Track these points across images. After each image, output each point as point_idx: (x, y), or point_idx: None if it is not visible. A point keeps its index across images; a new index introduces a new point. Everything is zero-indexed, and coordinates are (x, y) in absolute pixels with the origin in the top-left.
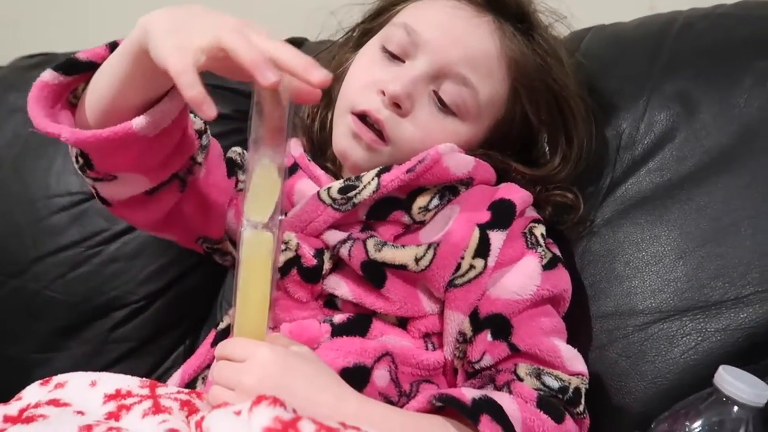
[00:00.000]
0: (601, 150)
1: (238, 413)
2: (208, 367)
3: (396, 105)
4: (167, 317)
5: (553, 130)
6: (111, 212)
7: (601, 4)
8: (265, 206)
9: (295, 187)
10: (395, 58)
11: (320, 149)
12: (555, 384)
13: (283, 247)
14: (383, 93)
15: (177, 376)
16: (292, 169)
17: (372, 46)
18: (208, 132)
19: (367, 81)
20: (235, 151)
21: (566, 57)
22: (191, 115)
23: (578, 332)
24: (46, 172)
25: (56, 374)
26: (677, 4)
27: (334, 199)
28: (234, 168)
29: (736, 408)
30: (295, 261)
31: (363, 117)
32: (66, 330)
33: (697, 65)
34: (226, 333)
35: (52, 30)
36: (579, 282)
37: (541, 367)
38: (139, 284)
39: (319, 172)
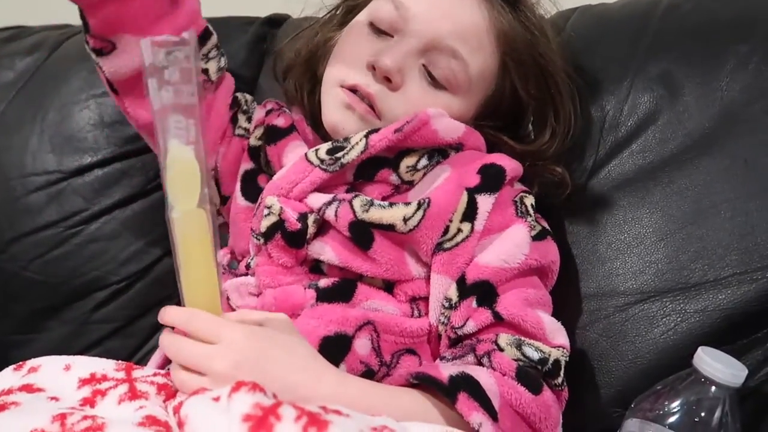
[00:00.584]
0: (585, 131)
1: (217, 399)
2: None
3: (387, 79)
4: (149, 298)
5: (541, 104)
6: (119, 105)
7: None
8: (189, 191)
9: (286, 149)
10: (383, 33)
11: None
12: (535, 355)
13: (266, 211)
14: (373, 68)
15: (159, 354)
16: (288, 131)
17: (359, 22)
18: (225, 61)
19: (356, 56)
20: (243, 95)
21: (552, 34)
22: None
23: (561, 312)
24: (22, 151)
25: (36, 356)
26: None
27: (322, 160)
28: (237, 109)
29: (713, 388)
30: (279, 225)
31: (353, 91)
32: (46, 311)
33: (681, 47)
34: None
35: (26, 2)
36: (563, 263)
37: (522, 338)
38: (120, 264)
39: (314, 137)
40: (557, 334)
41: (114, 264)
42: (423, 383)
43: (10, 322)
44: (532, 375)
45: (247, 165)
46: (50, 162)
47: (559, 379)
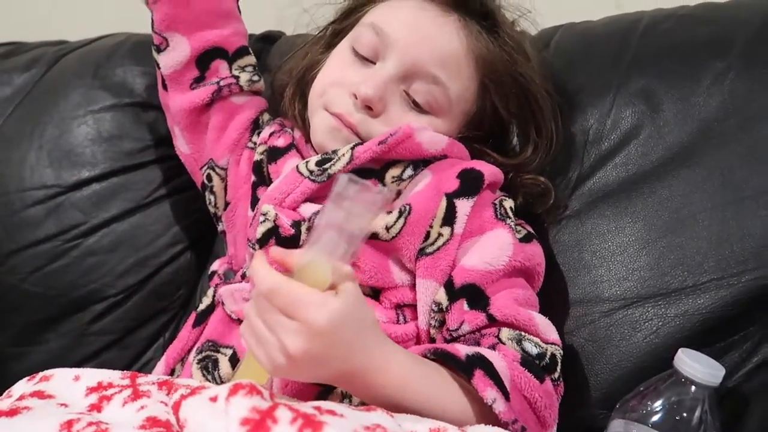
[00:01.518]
0: (569, 145)
1: (214, 399)
2: (190, 350)
3: (368, 107)
4: (146, 310)
5: (522, 122)
6: (163, 103)
7: (569, 2)
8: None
9: (284, 166)
10: (365, 59)
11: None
12: (534, 350)
13: (261, 218)
14: (355, 96)
15: (161, 363)
16: (287, 149)
17: (343, 47)
18: (260, 79)
19: (339, 82)
20: (264, 113)
21: (532, 51)
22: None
23: (550, 318)
24: (20, 165)
25: (33, 367)
26: (642, 4)
27: (311, 171)
28: (256, 124)
29: (693, 388)
30: (274, 231)
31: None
32: (43, 323)
33: (661, 64)
34: (205, 313)
35: (23, 18)
36: (549, 270)
37: (522, 333)
38: (117, 277)
39: (312, 153)
40: (549, 330)
41: (111, 277)
42: (440, 358)
43: (8, 334)
44: (535, 365)
45: (253, 177)
46: (48, 176)
47: (556, 374)
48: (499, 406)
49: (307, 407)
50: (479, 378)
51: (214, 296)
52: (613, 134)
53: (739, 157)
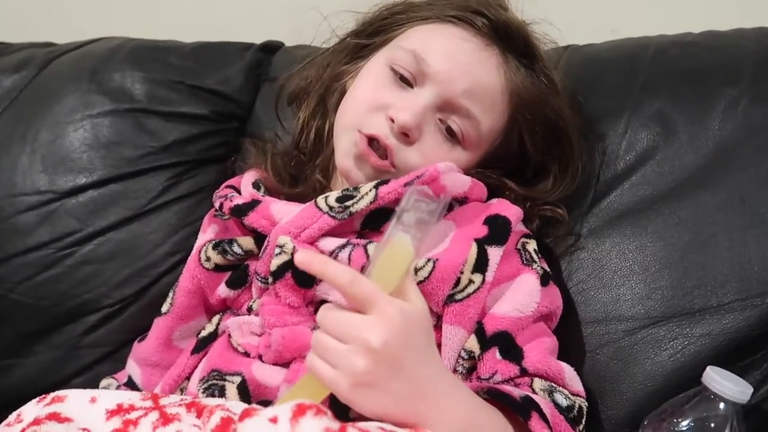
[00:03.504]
0: (584, 164)
1: (274, 420)
2: (188, 378)
3: (404, 134)
4: (142, 321)
5: (548, 157)
6: None
7: (564, 26)
8: (391, 278)
9: (272, 206)
10: (402, 81)
11: (310, 158)
12: (564, 402)
13: (277, 250)
14: (392, 120)
15: (158, 390)
16: (255, 202)
17: (378, 66)
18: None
19: (375, 103)
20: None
21: (563, 86)
22: None
23: (571, 337)
24: (11, 170)
25: (20, 381)
26: (634, 29)
27: (331, 207)
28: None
29: (722, 405)
30: (290, 264)
31: (371, 139)
32: (33, 335)
33: (673, 89)
34: (207, 341)
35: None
36: (568, 289)
37: (553, 385)
38: (113, 287)
39: (283, 207)
40: (575, 381)
41: (107, 287)
42: (495, 399)
43: None
44: (565, 416)
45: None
46: (42, 182)
47: (581, 426)
48: None
49: (373, 427)
50: (536, 420)
51: (218, 324)
52: (628, 155)
53: (757, 180)
